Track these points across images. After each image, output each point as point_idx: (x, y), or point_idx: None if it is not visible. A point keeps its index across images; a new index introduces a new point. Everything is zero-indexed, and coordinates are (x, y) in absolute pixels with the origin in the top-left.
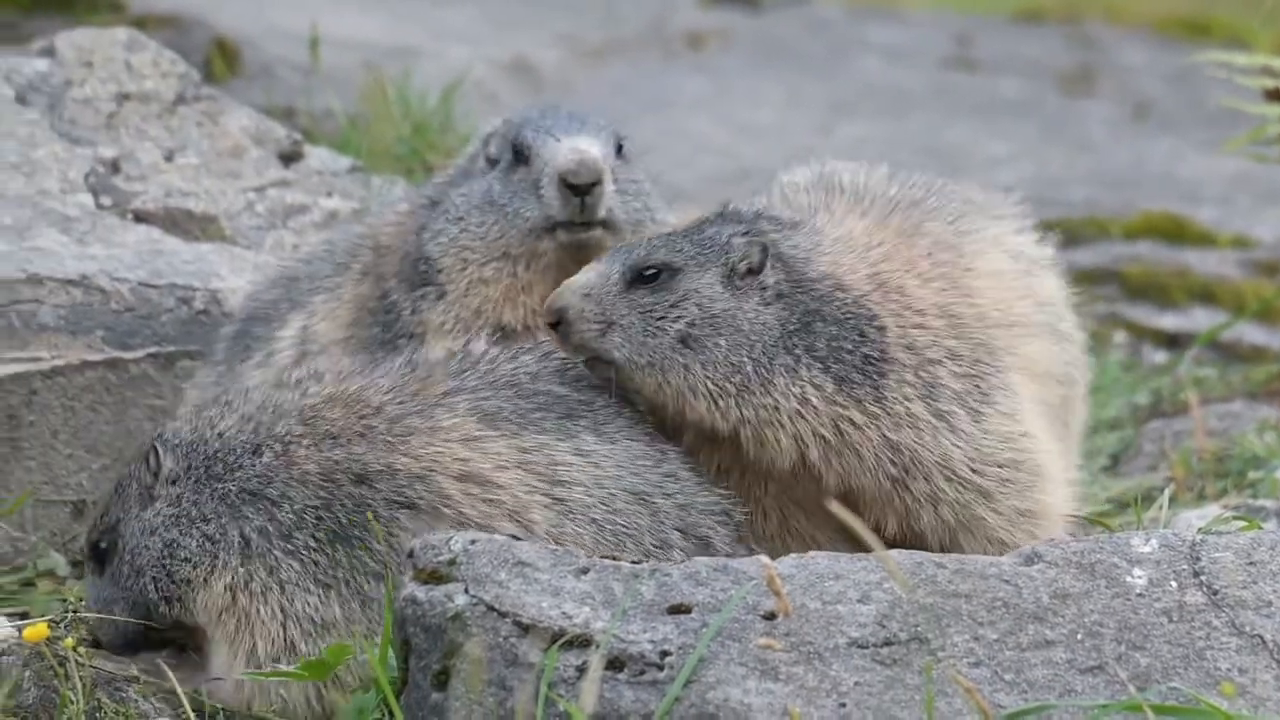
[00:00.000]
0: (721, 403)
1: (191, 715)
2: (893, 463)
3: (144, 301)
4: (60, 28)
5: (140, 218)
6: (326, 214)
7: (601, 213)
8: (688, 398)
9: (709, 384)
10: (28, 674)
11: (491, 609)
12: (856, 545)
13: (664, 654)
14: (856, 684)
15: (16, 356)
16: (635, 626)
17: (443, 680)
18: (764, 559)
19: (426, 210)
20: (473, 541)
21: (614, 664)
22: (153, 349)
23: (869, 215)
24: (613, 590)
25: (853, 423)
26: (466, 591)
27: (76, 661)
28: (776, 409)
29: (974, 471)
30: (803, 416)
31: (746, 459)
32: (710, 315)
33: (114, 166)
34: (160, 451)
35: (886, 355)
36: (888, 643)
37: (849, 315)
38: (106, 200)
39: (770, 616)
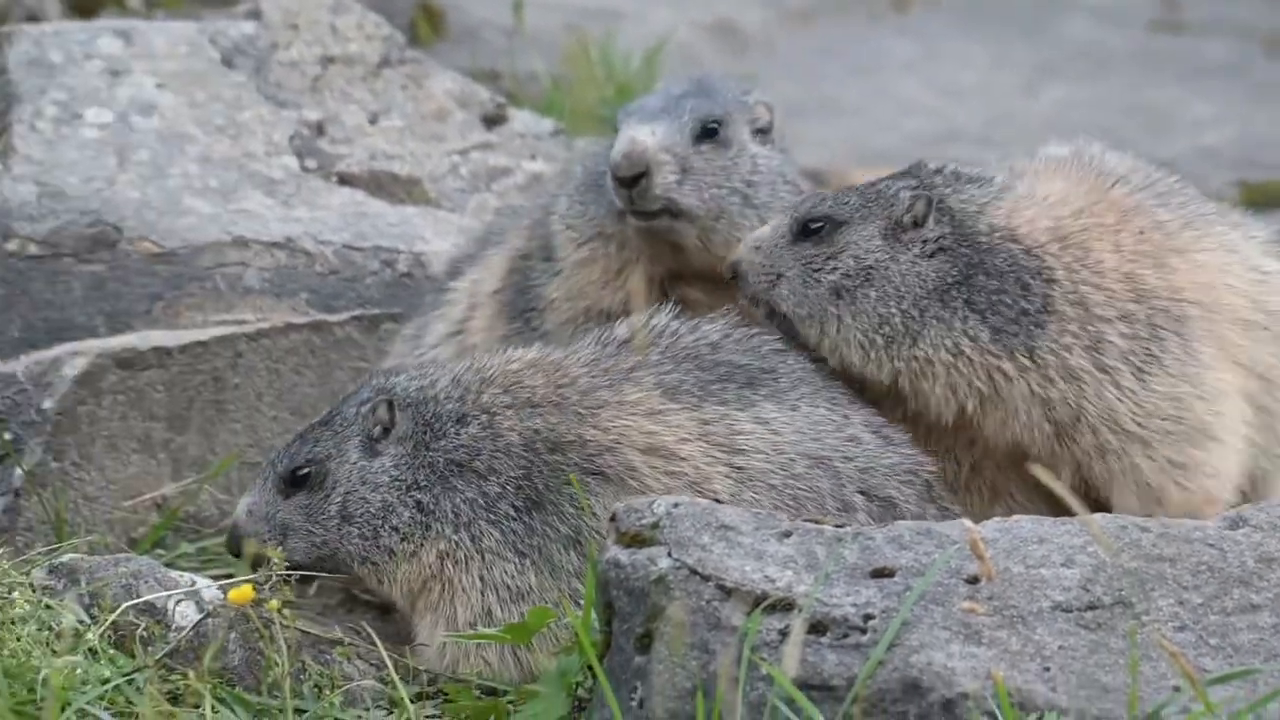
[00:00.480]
0: (873, 354)
1: (396, 678)
2: (1047, 418)
3: (348, 264)
4: None
5: (344, 180)
6: (529, 176)
7: (654, 204)
8: (843, 350)
9: (859, 334)
10: (233, 636)
11: (694, 572)
12: (1048, 497)
13: (867, 617)
14: (1060, 648)
15: (222, 319)
16: (838, 590)
17: (646, 643)
18: (967, 523)
19: (560, 179)
20: (676, 505)
21: (817, 627)
22: (357, 311)
23: (1084, 183)
24: (815, 554)
25: (1005, 374)
26: (669, 555)
27: (281, 624)
28: (929, 361)
29: (1138, 424)
30: (957, 368)
31: (914, 410)
32: (864, 267)
33: (319, 129)
34: (396, 408)
35: (1049, 307)
36: (1091, 606)
37: (1014, 267)
38: (311, 163)
39: (973, 580)
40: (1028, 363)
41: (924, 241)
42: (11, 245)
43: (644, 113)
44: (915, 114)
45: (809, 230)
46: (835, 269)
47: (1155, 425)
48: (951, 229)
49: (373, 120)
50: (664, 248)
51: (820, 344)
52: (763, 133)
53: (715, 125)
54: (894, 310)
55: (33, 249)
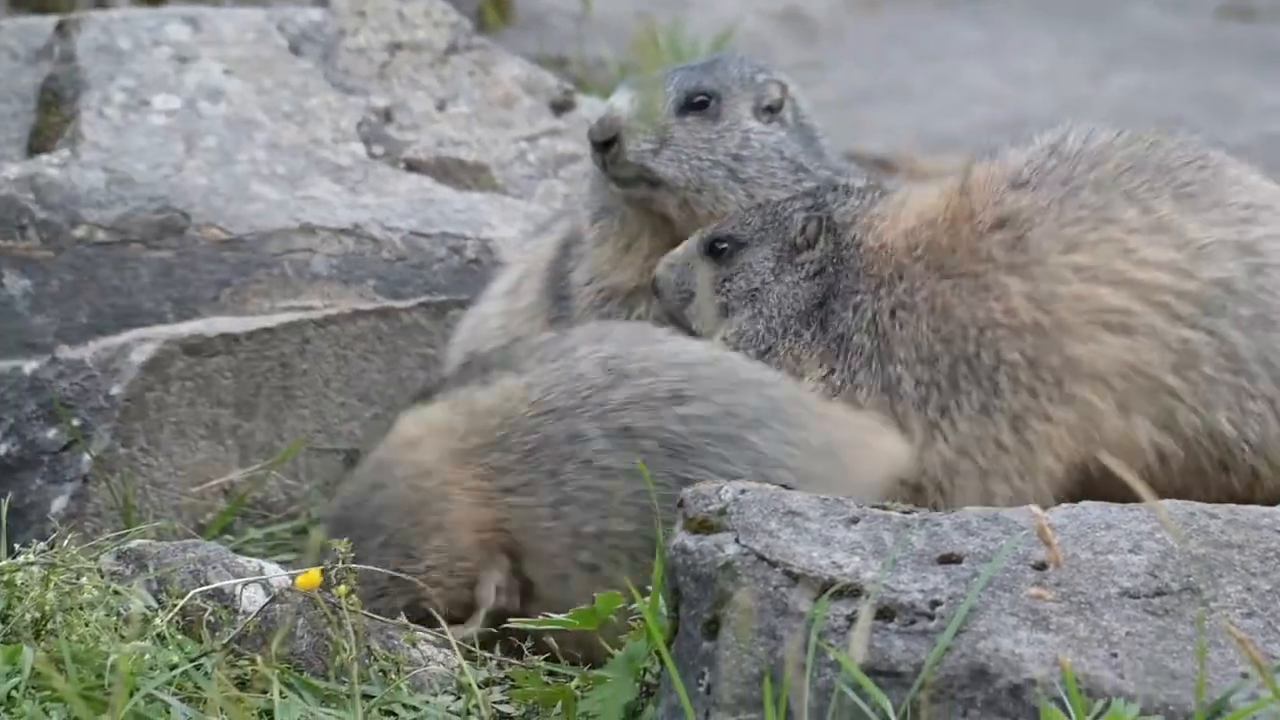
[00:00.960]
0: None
1: (464, 663)
2: None
3: (415, 250)
4: None
5: (412, 167)
6: None
7: (626, 170)
8: None
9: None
10: (300, 621)
11: (761, 558)
12: None
13: (934, 603)
14: (1128, 634)
15: (290, 305)
16: (905, 576)
17: (713, 629)
18: (1035, 509)
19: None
20: (743, 491)
21: (884, 613)
22: (424, 298)
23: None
24: (883, 539)
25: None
26: (737, 541)
27: (349, 609)
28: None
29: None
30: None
31: None
32: (750, 289)
33: (386, 116)
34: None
35: (851, 334)
36: (1159, 593)
37: (851, 286)
38: (378, 149)
39: (1041, 566)
40: (838, 384)
41: (810, 263)
42: (80, 232)
43: (632, 82)
44: (982, 101)
45: (714, 250)
46: (729, 290)
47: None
48: (833, 247)
49: (440, 107)
50: (656, 220)
51: None
52: (771, 110)
53: (704, 98)
54: (760, 327)
55: (101, 235)
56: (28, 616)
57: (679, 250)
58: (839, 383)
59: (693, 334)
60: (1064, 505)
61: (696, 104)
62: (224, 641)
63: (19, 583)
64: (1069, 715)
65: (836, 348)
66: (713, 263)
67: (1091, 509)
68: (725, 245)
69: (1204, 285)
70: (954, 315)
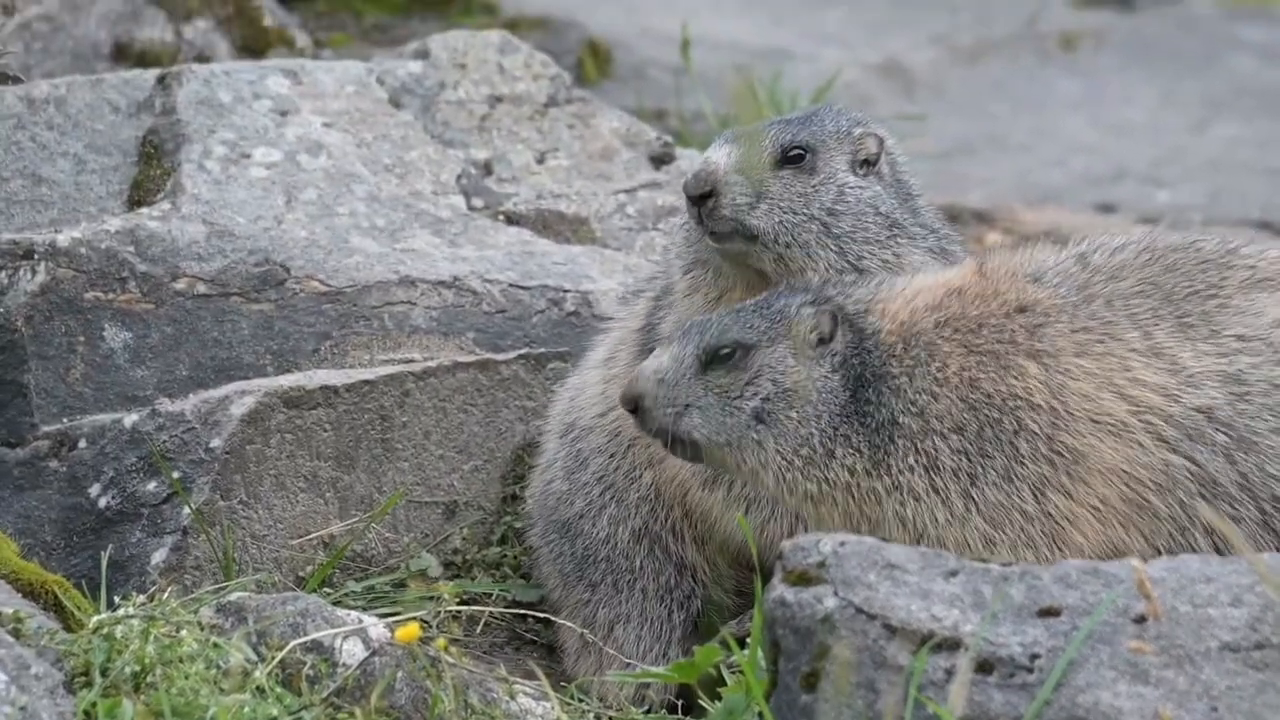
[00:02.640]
0: (788, 476)
1: (562, 716)
2: (910, 539)
3: (515, 303)
4: (433, 30)
5: (511, 220)
6: None
7: (723, 224)
8: (760, 474)
9: (779, 458)
10: (400, 674)
11: (860, 611)
12: None
13: (1033, 656)
14: (1228, 688)
15: (389, 358)
16: (1005, 629)
17: (812, 682)
18: (1135, 562)
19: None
20: (842, 544)
21: (983, 666)
22: (523, 350)
23: (974, 274)
24: (982, 592)
25: (876, 495)
26: (835, 594)
27: (448, 662)
28: (835, 483)
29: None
30: (851, 491)
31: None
32: (783, 389)
33: (486, 168)
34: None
35: (895, 421)
36: (1259, 646)
37: (877, 373)
38: (478, 202)
39: (1140, 620)
40: (886, 482)
41: (833, 355)
42: (180, 285)
43: (729, 135)
44: (1082, 152)
45: (720, 357)
46: (755, 393)
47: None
48: (852, 335)
49: (540, 159)
50: (751, 274)
51: (738, 469)
52: (867, 164)
53: (801, 151)
54: (813, 430)
55: (201, 288)
56: (128, 669)
57: (664, 363)
58: (895, 472)
59: (684, 444)
60: (1164, 558)
61: (792, 157)
62: (323, 694)
63: (119, 635)
64: None
65: (886, 435)
66: (720, 369)
67: (1191, 562)
68: (732, 350)
69: (1188, 411)
70: (980, 386)
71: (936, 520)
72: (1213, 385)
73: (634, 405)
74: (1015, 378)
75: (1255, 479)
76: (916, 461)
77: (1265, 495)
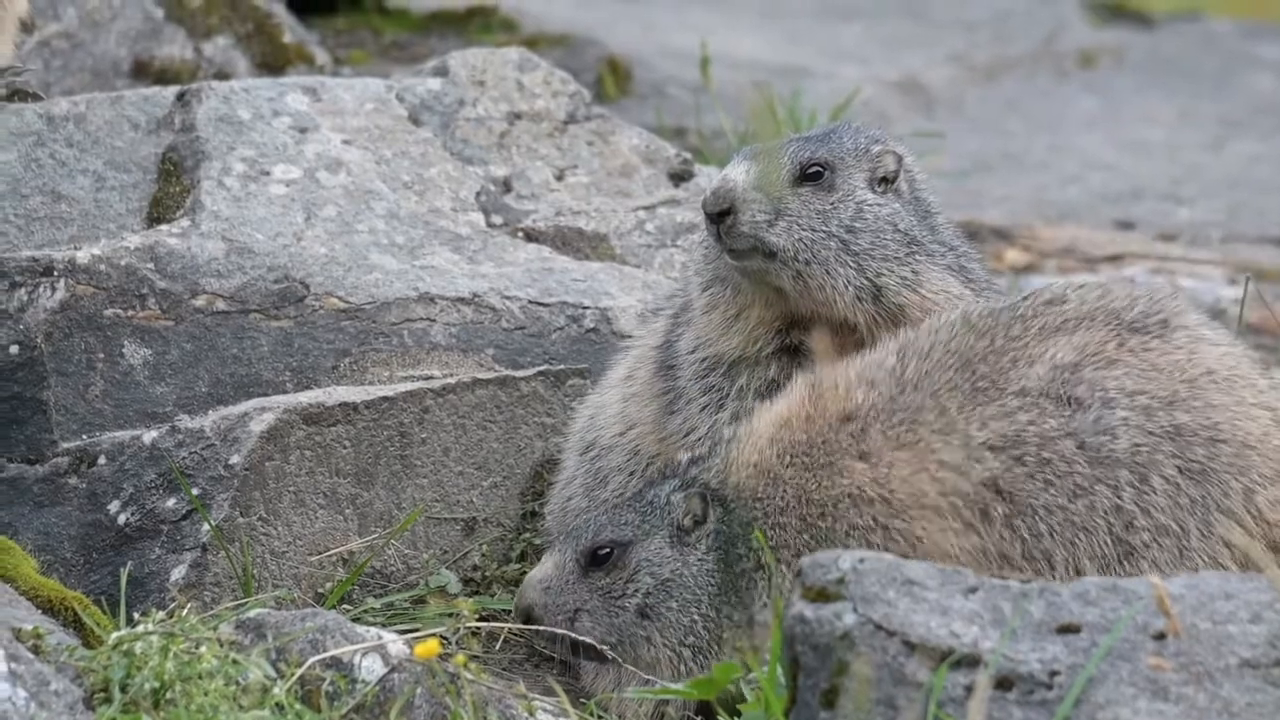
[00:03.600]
0: (682, 667)
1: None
2: None
3: (534, 320)
4: (452, 47)
5: (531, 237)
6: None
7: (741, 241)
8: (655, 668)
9: (668, 651)
10: (419, 691)
11: (880, 627)
12: None
13: (1053, 674)
14: (1248, 705)
15: (409, 375)
16: (1024, 645)
17: (831, 699)
18: (1154, 579)
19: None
20: (861, 560)
21: (1002, 683)
22: (543, 367)
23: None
24: (1001, 609)
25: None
26: (855, 610)
27: (467, 679)
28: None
29: None
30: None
31: None
32: (661, 581)
33: (505, 185)
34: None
35: (760, 563)
36: (1279, 663)
37: (744, 521)
38: (498, 219)
39: (1160, 636)
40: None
41: (708, 535)
42: (199, 301)
43: (747, 152)
44: (1100, 169)
45: (598, 559)
46: (636, 590)
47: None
48: (720, 509)
49: (559, 176)
50: (770, 291)
51: (637, 665)
52: (886, 181)
53: (819, 169)
54: (695, 617)
55: (220, 305)
56: (147, 686)
57: (547, 571)
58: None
59: (573, 656)
60: (1184, 574)
61: (811, 174)
62: (342, 711)
63: (138, 652)
64: None
65: (748, 580)
66: (600, 571)
67: (1211, 579)
68: (609, 550)
69: (976, 488)
70: (813, 499)
71: None
72: (992, 454)
73: (525, 617)
74: (844, 477)
75: (1031, 543)
76: (768, 598)
77: (1041, 558)
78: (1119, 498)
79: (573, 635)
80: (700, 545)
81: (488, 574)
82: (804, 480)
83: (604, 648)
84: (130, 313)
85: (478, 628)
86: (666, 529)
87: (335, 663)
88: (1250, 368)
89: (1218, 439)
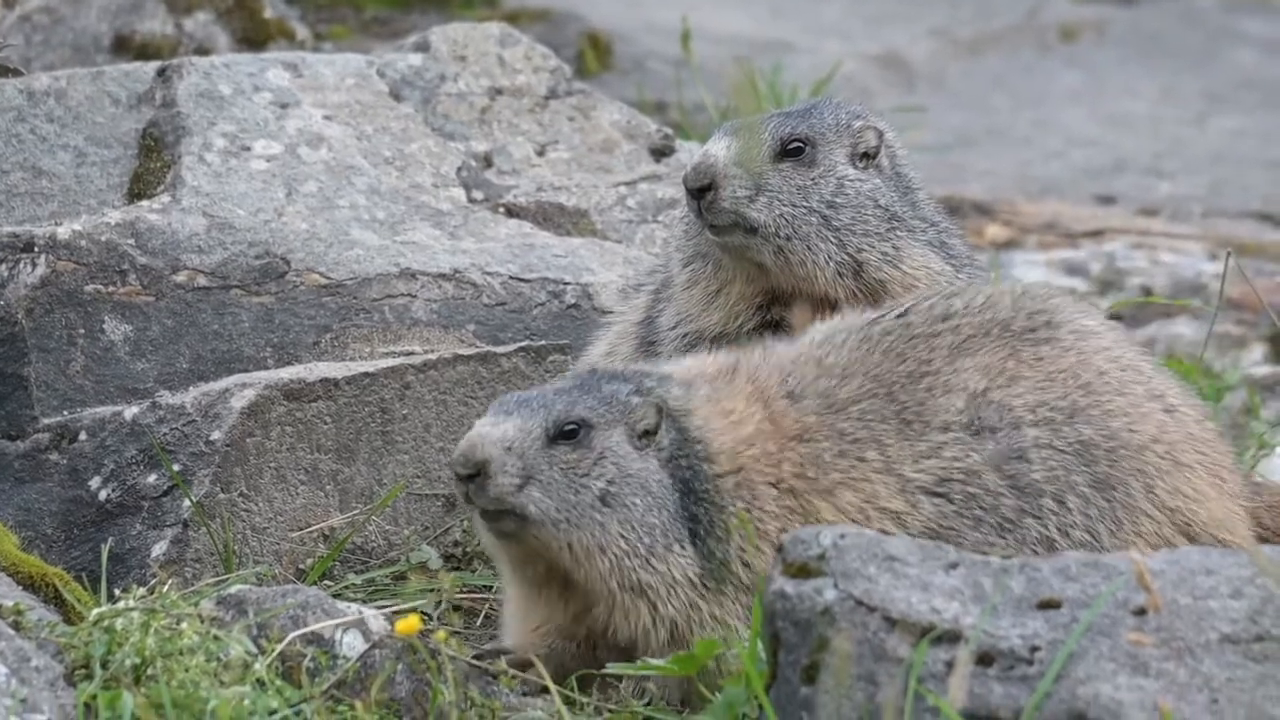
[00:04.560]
0: (625, 563)
1: (563, 709)
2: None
3: (515, 295)
4: (434, 23)
5: (512, 212)
6: None
7: (722, 217)
8: (596, 556)
9: (621, 543)
10: (400, 667)
11: (860, 603)
12: None
13: (1033, 649)
14: (1228, 680)
15: (390, 350)
16: (1005, 621)
17: (811, 674)
18: (1135, 554)
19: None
20: (842, 536)
21: (983, 659)
22: (524, 343)
23: (754, 398)
24: (982, 585)
25: (700, 613)
26: (835, 586)
27: (448, 654)
28: (664, 580)
29: None
30: (674, 598)
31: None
32: (626, 474)
33: (486, 161)
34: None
35: (729, 565)
36: (1259, 639)
37: (712, 499)
38: (478, 194)
39: (1140, 612)
40: (718, 612)
41: (659, 449)
42: (180, 277)
43: (728, 128)
44: (1083, 144)
45: (566, 433)
46: (601, 475)
47: None
48: (676, 433)
49: (540, 152)
50: (751, 267)
51: (567, 547)
52: (867, 157)
53: (800, 144)
54: (655, 521)
55: (201, 281)
56: (128, 662)
57: (504, 430)
58: (724, 613)
59: (516, 518)
60: (1164, 550)
61: (791, 150)
62: (323, 687)
63: (119, 628)
64: None
65: (719, 576)
66: (566, 445)
67: (1191, 554)
68: (577, 427)
69: (919, 534)
70: (787, 526)
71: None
72: (925, 497)
73: (476, 470)
74: (808, 519)
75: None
76: (742, 609)
77: None
78: (1045, 527)
79: (519, 505)
80: (651, 458)
81: (469, 550)
82: (779, 508)
83: (545, 520)
84: (111, 289)
85: (459, 603)
86: (624, 426)
87: (316, 639)
88: (1136, 355)
89: (1118, 448)
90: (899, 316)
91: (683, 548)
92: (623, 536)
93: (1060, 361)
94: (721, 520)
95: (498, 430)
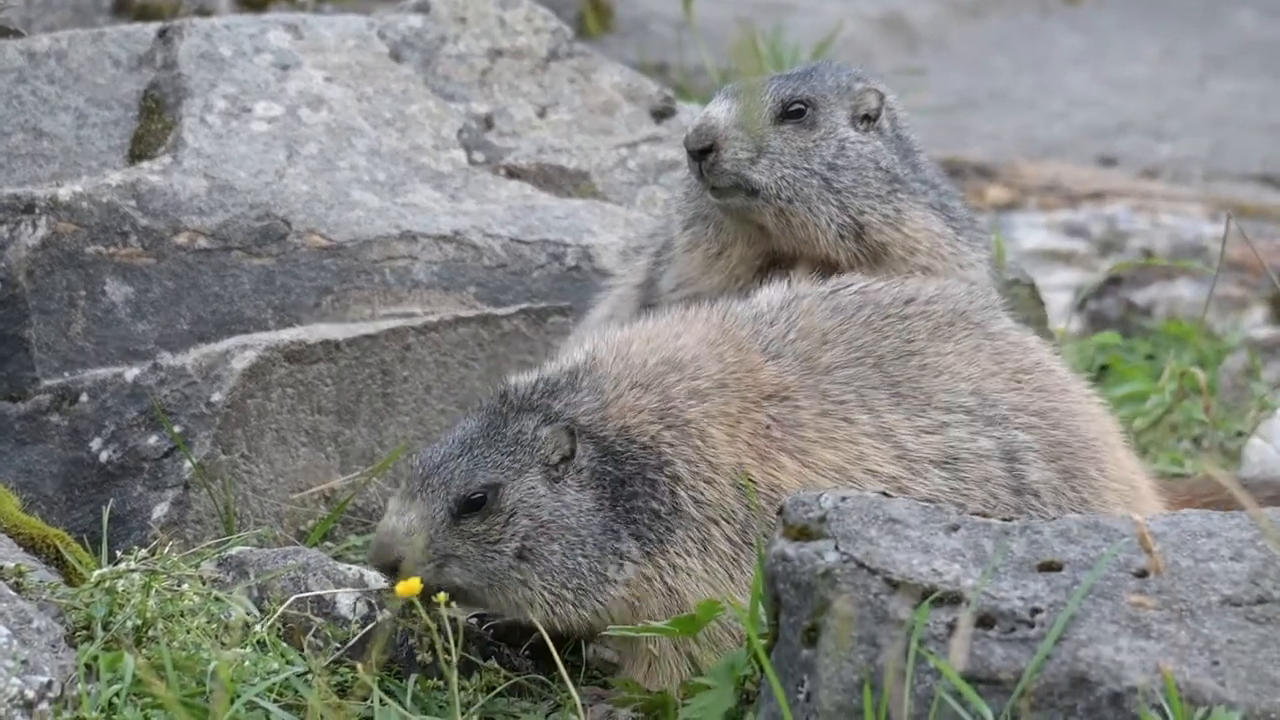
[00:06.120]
0: (560, 609)
1: (563, 672)
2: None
3: (516, 257)
4: None
5: (512, 174)
6: None
7: (724, 179)
8: (525, 610)
9: (546, 593)
10: (400, 628)
11: (861, 565)
12: None
13: (1034, 611)
14: (1229, 642)
15: (390, 312)
16: (1006, 583)
17: (813, 637)
18: (1136, 516)
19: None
20: (843, 499)
21: (984, 621)
22: (525, 305)
23: (724, 350)
24: (983, 547)
25: (649, 580)
26: (836, 548)
27: (449, 617)
28: (615, 600)
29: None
30: (636, 597)
31: None
32: (539, 523)
33: (487, 123)
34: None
35: (678, 509)
36: (1261, 601)
37: (639, 467)
38: (479, 156)
39: (1142, 574)
40: (663, 563)
41: (578, 471)
42: (181, 239)
43: (729, 90)
44: (1085, 106)
45: (472, 504)
46: (514, 534)
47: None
48: (593, 446)
49: (541, 113)
50: (753, 229)
51: (504, 605)
52: (868, 119)
53: (801, 106)
54: (580, 560)
55: (202, 242)
56: (129, 624)
57: (408, 520)
58: (673, 555)
59: (456, 596)
60: (1165, 513)
61: (793, 112)
62: (324, 649)
63: (120, 590)
64: None
65: (664, 525)
66: (474, 518)
67: (1192, 516)
68: (482, 495)
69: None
70: (750, 474)
71: (701, 595)
72: (935, 470)
73: (392, 568)
74: (774, 470)
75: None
76: (693, 546)
77: None
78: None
79: (439, 584)
80: (572, 483)
81: None
82: (735, 449)
83: (473, 589)
84: (112, 250)
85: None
86: (538, 466)
87: (317, 601)
88: (1039, 342)
89: (1079, 445)
90: (858, 291)
91: (619, 563)
92: (545, 589)
93: (1015, 360)
94: (666, 476)
95: (403, 522)
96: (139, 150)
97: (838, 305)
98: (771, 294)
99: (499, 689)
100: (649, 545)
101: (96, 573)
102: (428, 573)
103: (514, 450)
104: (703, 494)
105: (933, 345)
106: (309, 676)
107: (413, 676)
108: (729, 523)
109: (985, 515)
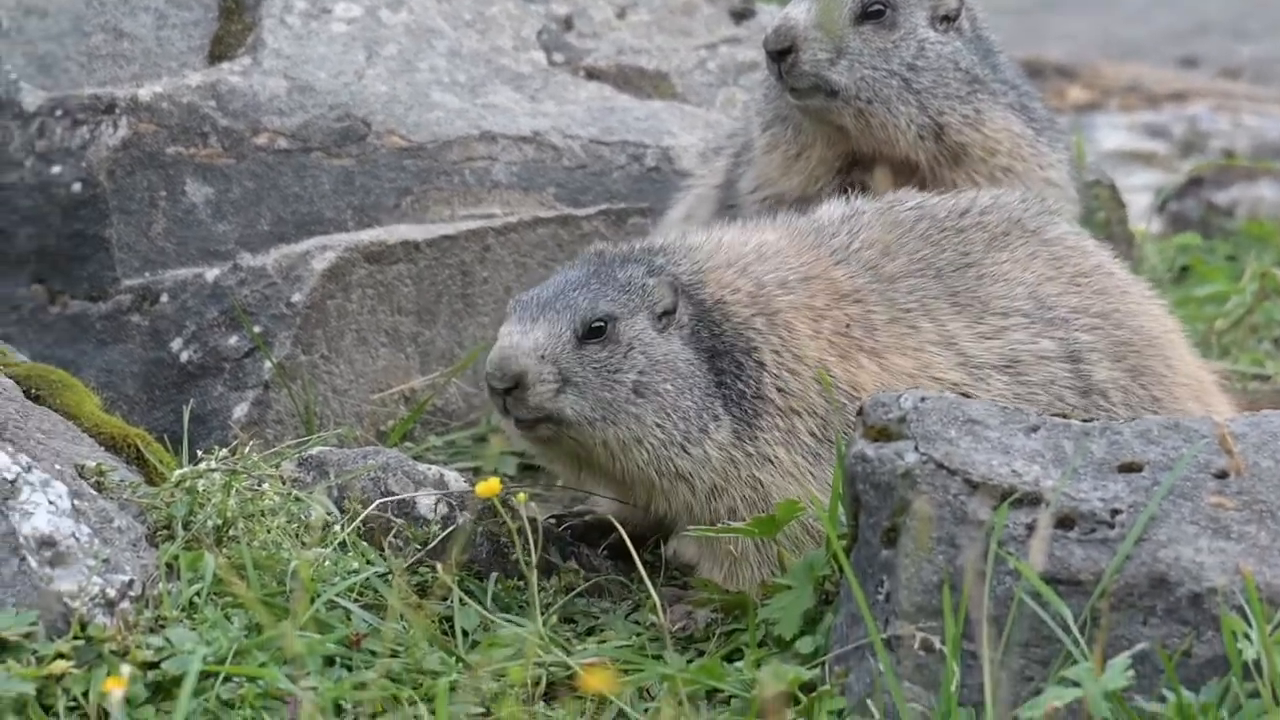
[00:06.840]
0: (664, 451)
1: (643, 571)
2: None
3: (595, 158)
4: None
5: (592, 75)
6: None
7: (803, 80)
8: (632, 448)
9: (658, 432)
10: (480, 528)
11: (941, 466)
12: None
13: (1114, 512)
14: None
15: (470, 213)
16: (1085, 484)
17: (892, 537)
18: (1216, 417)
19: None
20: (923, 399)
21: (1063, 522)
22: (604, 205)
23: (804, 250)
24: (1063, 448)
25: (736, 464)
26: (916, 449)
27: (528, 517)
28: (704, 459)
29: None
30: (718, 467)
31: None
32: (654, 362)
33: (566, 23)
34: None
35: (762, 394)
36: None
37: (730, 345)
38: (559, 57)
39: (1222, 475)
40: (752, 451)
41: (680, 328)
42: (261, 139)
43: None
44: (1164, 6)
45: (594, 330)
46: (632, 366)
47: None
48: (692, 308)
49: (620, 14)
50: (832, 130)
51: (602, 447)
52: (947, 20)
53: (881, 7)
54: (689, 403)
55: (282, 143)
56: (209, 523)
57: (534, 338)
58: (761, 444)
59: (556, 422)
60: (1246, 413)
61: (873, 13)
62: (404, 549)
63: (201, 489)
64: (1250, 623)
65: (751, 409)
66: (596, 345)
67: (1274, 417)
68: (603, 323)
69: None
70: (832, 371)
71: (786, 489)
72: (996, 375)
73: (514, 383)
74: (854, 369)
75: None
76: (779, 435)
77: None
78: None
79: (558, 411)
80: (675, 336)
81: None
82: (819, 345)
83: (582, 421)
84: (192, 150)
85: (539, 465)
86: (646, 310)
87: (397, 501)
88: (1097, 246)
89: (1144, 343)
90: (914, 206)
91: (717, 422)
92: (658, 425)
93: (1074, 264)
94: (753, 361)
95: (529, 339)
96: (218, 51)
97: (896, 219)
98: (831, 209)
99: (578, 589)
100: (738, 424)
101: (177, 472)
102: (545, 394)
103: (626, 291)
104: (787, 384)
105: (989, 255)
106: (389, 576)
107: (493, 576)
108: (811, 416)
109: (1065, 416)
